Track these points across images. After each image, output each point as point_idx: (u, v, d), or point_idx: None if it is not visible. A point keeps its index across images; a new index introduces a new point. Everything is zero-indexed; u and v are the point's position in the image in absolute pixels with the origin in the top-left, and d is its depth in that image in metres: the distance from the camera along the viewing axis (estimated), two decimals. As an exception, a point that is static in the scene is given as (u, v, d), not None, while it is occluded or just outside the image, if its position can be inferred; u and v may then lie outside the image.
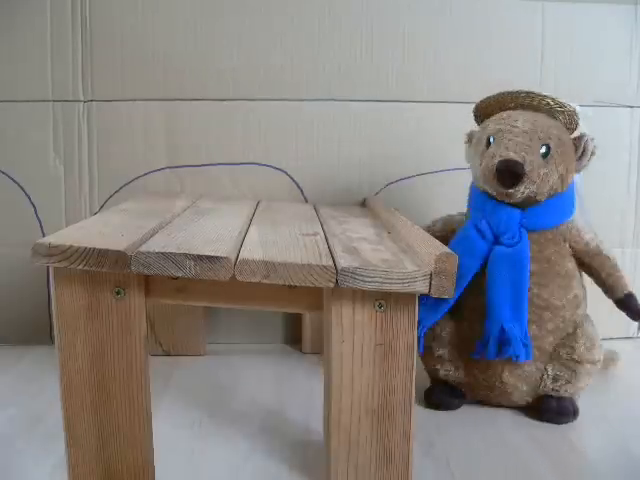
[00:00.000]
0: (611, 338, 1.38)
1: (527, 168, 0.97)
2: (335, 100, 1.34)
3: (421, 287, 0.75)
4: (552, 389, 1.06)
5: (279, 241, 0.86)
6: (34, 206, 1.35)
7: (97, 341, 0.80)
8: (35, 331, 1.38)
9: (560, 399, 1.06)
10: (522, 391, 1.06)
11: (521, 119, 1.01)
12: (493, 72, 1.33)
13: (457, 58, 1.34)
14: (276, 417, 1.07)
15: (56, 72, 1.32)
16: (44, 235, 1.34)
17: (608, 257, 1.06)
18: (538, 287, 1.03)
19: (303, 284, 0.75)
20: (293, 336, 1.42)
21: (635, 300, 1.06)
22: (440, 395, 1.11)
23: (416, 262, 0.78)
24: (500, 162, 0.97)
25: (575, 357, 1.04)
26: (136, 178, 1.35)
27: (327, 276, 0.74)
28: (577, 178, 1.07)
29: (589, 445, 1.00)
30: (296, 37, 1.32)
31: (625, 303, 1.06)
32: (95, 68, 1.32)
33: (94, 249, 0.75)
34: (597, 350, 1.06)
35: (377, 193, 1.36)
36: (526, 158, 0.97)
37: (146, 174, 1.35)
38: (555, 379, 1.05)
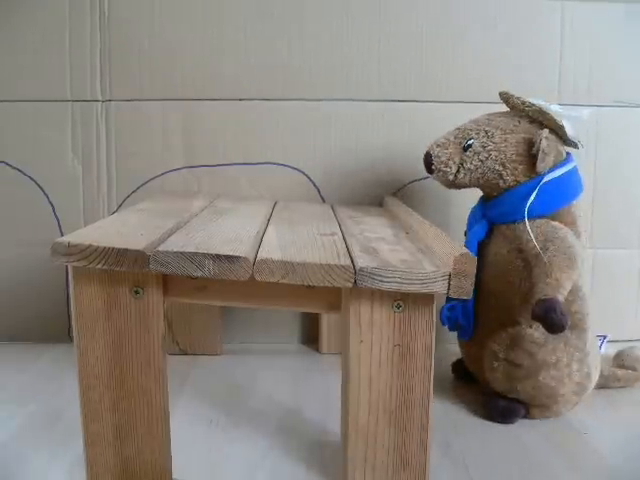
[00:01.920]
0: (630, 340, 1.37)
1: (434, 160, 1.08)
2: (353, 100, 1.33)
3: (440, 288, 0.74)
4: None
5: (297, 241, 0.86)
6: (52, 205, 1.36)
7: (115, 340, 0.80)
8: (54, 329, 1.39)
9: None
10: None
11: (479, 117, 1.11)
12: (511, 72, 1.33)
13: (475, 58, 1.33)
14: (293, 417, 1.07)
15: (74, 72, 1.32)
16: (62, 234, 1.34)
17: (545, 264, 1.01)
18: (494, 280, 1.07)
19: (321, 284, 0.75)
20: (310, 336, 1.42)
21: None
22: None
23: (435, 263, 0.78)
24: None
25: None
26: (154, 178, 1.35)
27: (345, 276, 0.74)
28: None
29: (606, 446, 0.99)
30: (313, 37, 1.32)
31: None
32: (113, 68, 1.33)
33: (113, 248, 0.75)
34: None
35: (395, 193, 1.36)
36: (435, 150, 1.09)
37: (163, 174, 1.35)
38: None
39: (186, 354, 1.33)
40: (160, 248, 0.76)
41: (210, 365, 1.28)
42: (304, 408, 1.10)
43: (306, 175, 1.36)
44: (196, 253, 0.75)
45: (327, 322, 1.35)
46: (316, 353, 1.38)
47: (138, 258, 0.75)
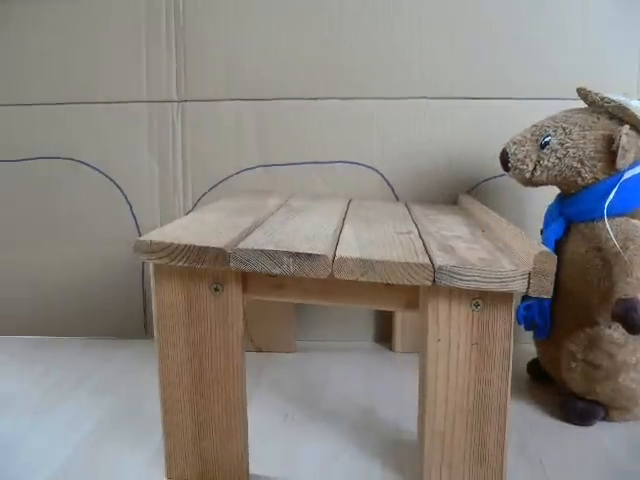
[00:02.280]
0: None
1: (511, 157, 1.08)
2: (427, 98, 1.33)
3: (519, 286, 0.74)
4: None
5: (375, 239, 0.86)
6: (130, 204, 1.39)
7: (195, 336, 0.82)
8: (131, 325, 1.42)
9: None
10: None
11: (556, 114, 1.09)
12: (589, 67, 1.30)
13: (549, 53, 1.31)
14: (367, 415, 1.08)
15: (151, 73, 1.35)
16: (139, 232, 1.38)
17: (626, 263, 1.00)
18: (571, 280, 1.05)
19: (400, 282, 0.75)
20: (383, 334, 1.42)
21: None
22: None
23: (514, 261, 0.77)
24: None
25: None
26: (228, 177, 1.37)
27: (424, 274, 0.74)
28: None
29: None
30: (385, 37, 1.31)
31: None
32: (188, 69, 1.35)
33: (194, 246, 0.77)
34: None
35: (469, 191, 1.35)
36: (511, 147, 1.08)
37: (238, 173, 1.37)
38: None
39: (260, 351, 1.34)
40: (240, 246, 0.77)
41: (284, 362, 1.30)
42: (378, 406, 1.11)
43: (380, 173, 1.36)
44: (276, 251, 0.76)
45: (401, 321, 1.35)
46: (389, 351, 1.37)
47: (219, 255, 0.76)
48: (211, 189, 1.38)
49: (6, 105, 1.38)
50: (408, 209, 1.20)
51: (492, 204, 1.25)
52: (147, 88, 1.36)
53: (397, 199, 1.37)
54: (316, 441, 0.99)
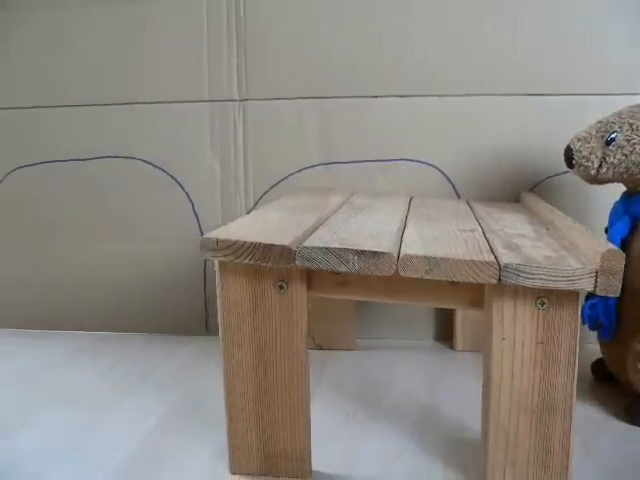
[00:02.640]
0: None
1: (575, 154, 1.06)
2: (487, 95, 1.32)
3: (586, 285, 0.73)
4: None
5: (439, 237, 0.86)
6: (192, 202, 1.41)
7: (260, 334, 0.83)
8: (192, 322, 1.44)
9: None
10: None
11: (622, 109, 1.07)
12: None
13: (613, 48, 1.28)
14: (429, 413, 1.07)
15: (212, 72, 1.37)
16: (201, 230, 1.39)
17: None
18: None
19: (465, 280, 0.74)
20: (444, 333, 1.41)
21: None
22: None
23: (580, 259, 0.76)
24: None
25: None
26: (289, 175, 1.38)
27: (490, 272, 0.73)
28: None
29: None
30: (447, 34, 1.31)
31: None
32: (249, 68, 1.36)
33: (260, 244, 0.78)
34: None
35: (532, 189, 1.33)
36: (576, 144, 1.06)
37: (299, 171, 1.38)
38: None
39: (322, 349, 1.35)
40: (305, 243, 0.78)
41: (345, 360, 1.30)
42: (440, 405, 1.10)
43: (441, 171, 1.35)
44: (341, 249, 0.76)
45: (461, 319, 1.34)
46: (450, 350, 1.37)
47: (284, 253, 0.77)
48: (272, 187, 1.39)
49: (67, 106, 1.42)
50: (470, 207, 1.20)
51: (556, 202, 1.23)
52: (209, 87, 1.37)
53: (458, 197, 1.36)
54: (377, 440, 0.99)
